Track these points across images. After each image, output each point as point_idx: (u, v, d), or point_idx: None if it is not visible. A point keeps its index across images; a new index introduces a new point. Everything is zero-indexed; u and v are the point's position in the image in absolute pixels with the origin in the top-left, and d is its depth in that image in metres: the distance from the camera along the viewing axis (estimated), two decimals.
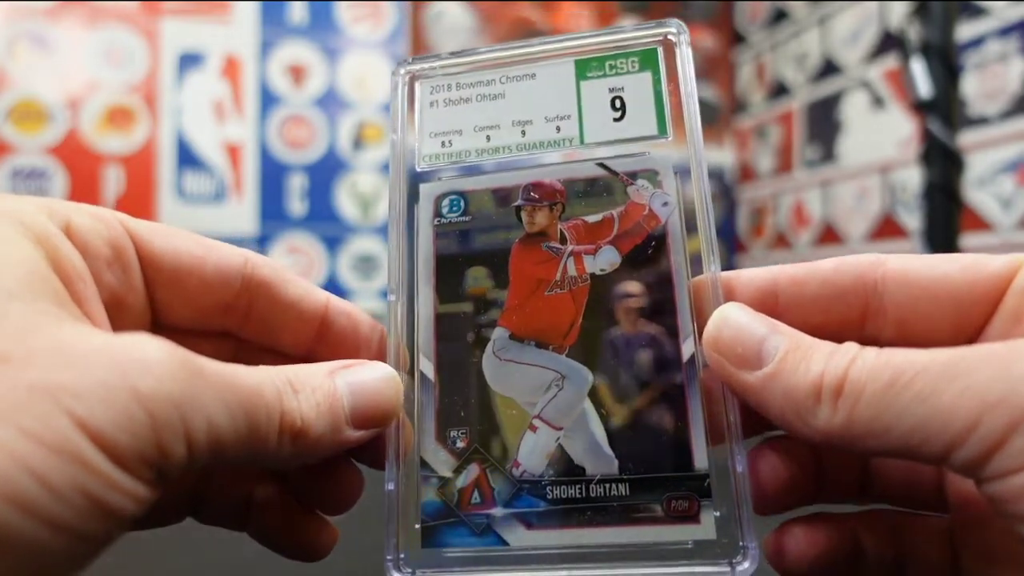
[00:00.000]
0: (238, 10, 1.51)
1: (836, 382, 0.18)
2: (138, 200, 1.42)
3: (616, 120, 0.24)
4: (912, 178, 1.30)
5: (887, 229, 1.40)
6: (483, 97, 0.25)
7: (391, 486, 0.22)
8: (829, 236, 1.54)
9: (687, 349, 0.22)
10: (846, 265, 0.21)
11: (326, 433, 0.19)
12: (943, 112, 0.76)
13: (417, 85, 0.26)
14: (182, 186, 1.45)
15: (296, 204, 1.53)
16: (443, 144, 0.25)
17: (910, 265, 0.21)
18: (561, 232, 0.24)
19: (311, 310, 0.23)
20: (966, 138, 1.13)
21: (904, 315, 0.21)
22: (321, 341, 0.24)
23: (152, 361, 0.16)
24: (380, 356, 0.23)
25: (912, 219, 1.33)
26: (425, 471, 0.22)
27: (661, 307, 0.23)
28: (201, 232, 0.23)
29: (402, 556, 0.21)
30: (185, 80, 1.46)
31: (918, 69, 0.77)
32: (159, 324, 0.22)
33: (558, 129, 0.25)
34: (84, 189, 1.39)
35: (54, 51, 1.38)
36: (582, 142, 0.24)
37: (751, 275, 0.22)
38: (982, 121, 1.18)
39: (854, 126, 1.49)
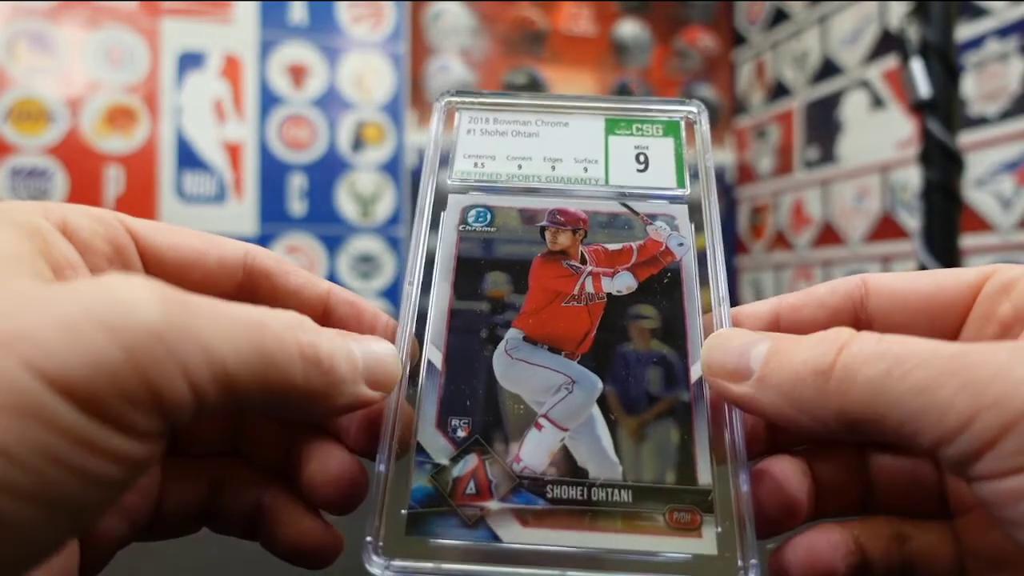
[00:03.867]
0: (238, 10, 1.51)
1: (824, 367, 0.18)
2: (138, 200, 1.42)
3: (639, 171, 0.27)
4: (912, 178, 1.30)
5: (887, 229, 1.40)
6: (518, 133, 0.28)
7: (382, 467, 0.21)
8: (829, 236, 1.54)
9: (695, 371, 0.23)
10: (837, 285, 0.23)
11: (348, 380, 0.19)
12: (943, 112, 0.77)
13: (457, 114, 0.28)
14: (182, 186, 1.45)
15: (296, 204, 1.53)
16: (476, 164, 0.27)
17: (890, 280, 0.23)
18: (582, 254, 0.25)
19: (313, 299, 0.23)
20: (966, 138, 1.13)
21: (885, 326, 0.22)
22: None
23: (126, 294, 0.14)
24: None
25: (912, 219, 1.33)
26: (421, 456, 0.21)
27: (673, 331, 0.23)
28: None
29: (382, 544, 0.20)
30: (185, 80, 1.46)
31: (918, 69, 0.77)
32: None
33: (586, 170, 0.27)
34: (84, 189, 1.39)
35: (54, 51, 1.38)
36: (607, 184, 0.27)
37: (753, 308, 0.24)
38: (982, 121, 1.18)
39: (854, 126, 1.49)
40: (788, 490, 0.22)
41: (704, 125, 0.28)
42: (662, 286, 0.24)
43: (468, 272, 0.25)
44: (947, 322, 0.22)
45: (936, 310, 0.22)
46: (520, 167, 0.27)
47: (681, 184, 0.26)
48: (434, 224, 0.25)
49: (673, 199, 0.26)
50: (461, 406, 0.22)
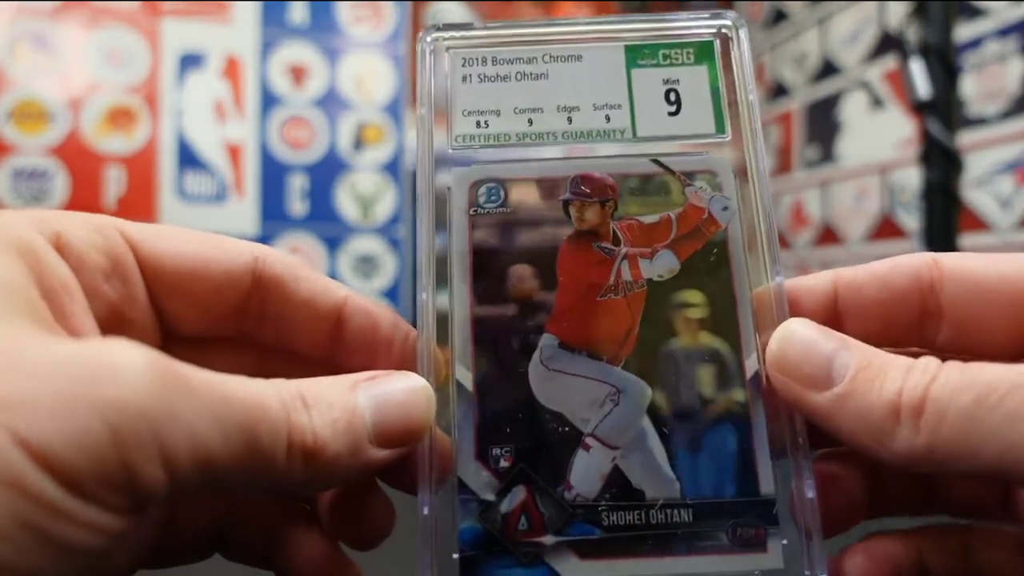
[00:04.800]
0: (238, 10, 1.51)
1: (916, 401, 0.17)
2: (139, 200, 1.42)
3: (671, 114, 0.23)
4: (911, 179, 1.30)
5: (886, 229, 1.40)
6: (524, 76, 0.23)
7: (426, 510, 0.19)
8: (828, 236, 1.54)
9: (750, 366, 0.20)
10: (901, 266, 0.20)
11: (344, 453, 0.17)
12: (942, 113, 0.77)
13: (447, 56, 0.23)
14: (183, 186, 1.45)
15: (296, 204, 1.53)
16: (478, 124, 0.22)
17: (968, 263, 0.20)
18: (614, 232, 0.22)
19: (326, 308, 0.21)
20: (965, 138, 1.13)
21: (961, 317, 0.20)
22: (338, 341, 0.22)
23: (120, 368, 0.14)
24: (404, 358, 0.21)
25: (911, 219, 1.33)
26: (464, 493, 0.20)
27: (723, 319, 0.21)
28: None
29: None
30: (186, 80, 1.46)
31: (917, 70, 0.77)
32: (170, 336, 0.21)
33: (608, 119, 0.22)
34: (85, 190, 1.39)
35: (55, 52, 1.38)
36: (634, 135, 0.22)
37: (811, 284, 0.21)
38: (981, 121, 1.19)
39: (853, 127, 1.49)
40: (845, 489, 0.20)
41: (744, 44, 0.23)
42: (707, 265, 0.21)
43: (487, 268, 0.21)
44: None
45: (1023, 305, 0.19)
46: (531, 123, 0.22)
47: (720, 129, 0.22)
48: (439, 208, 0.22)
49: (713, 149, 0.22)
50: (501, 433, 0.20)
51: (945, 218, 0.77)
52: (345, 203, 1.56)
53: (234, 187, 1.49)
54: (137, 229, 0.20)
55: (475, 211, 0.22)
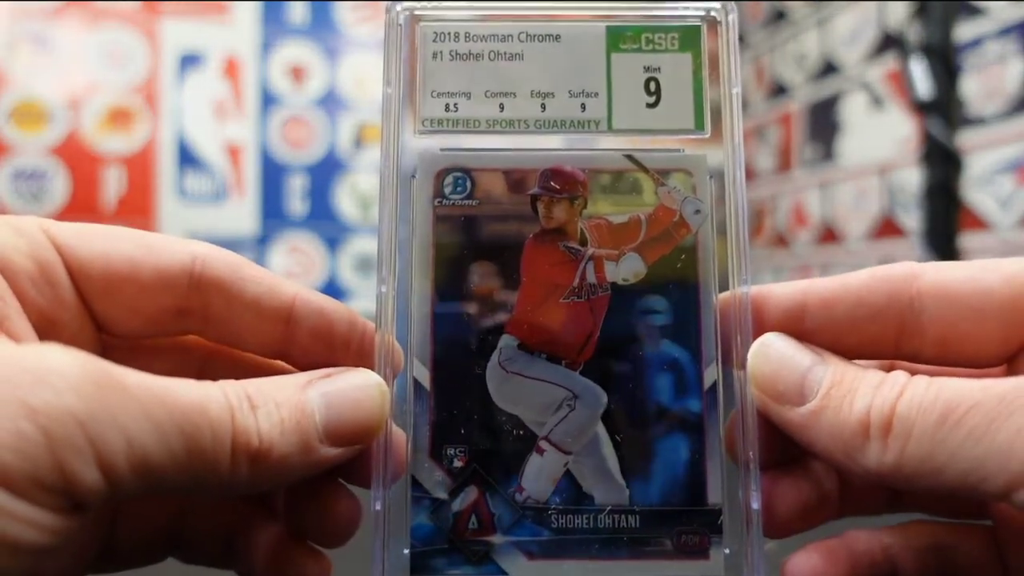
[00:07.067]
0: (238, 10, 1.51)
1: (884, 419, 0.17)
2: (139, 200, 1.42)
3: (649, 106, 0.22)
4: (911, 179, 1.31)
5: (886, 229, 1.40)
6: (497, 55, 0.22)
7: (378, 506, 0.20)
8: (828, 236, 1.54)
9: (709, 376, 0.21)
10: (878, 281, 0.20)
11: (292, 453, 0.17)
12: (942, 113, 0.77)
13: (417, 29, 0.22)
14: (183, 186, 1.45)
15: (296, 204, 1.53)
16: (447, 108, 0.21)
17: (949, 277, 0.19)
18: (581, 231, 0.21)
19: (274, 309, 0.20)
20: (965, 138, 1.13)
21: (945, 334, 0.19)
22: (291, 343, 0.21)
23: (52, 372, 0.14)
24: (363, 357, 0.21)
25: (911, 219, 1.33)
26: (417, 491, 0.20)
27: (686, 327, 0.21)
28: (202, 232, 0.21)
29: None
30: (186, 80, 1.46)
31: (917, 70, 0.77)
32: (108, 338, 0.21)
33: (583, 108, 0.22)
34: (85, 190, 1.39)
35: (55, 52, 1.38)
36: (610, 127, 0.22)
37: (779, 293, 0.20)
38: (981, 121, 1.19)
39: (853, 126, 1.49)
40: (805, 486, 0.20)
41: (732, 31, 0.22)
42: (674, 270, 0.21)
43: (449, 263, 0.21)
44: (1022, 331, 0.19)
45: (1010, 318, 0.18)
46: (502, 108, 0.21)
47: (700, 124, 0.21)
48: (403, 195, 0.21)
49: (690, 146, 0.22)
50: (455, 433, 0.20)
51: (945, 218, 0.77)
52: (345, 203, 1.56)
53: (234, 187, 1.49)
54: (63, 230, 0.19)
55: (440, 202, 0.21)
